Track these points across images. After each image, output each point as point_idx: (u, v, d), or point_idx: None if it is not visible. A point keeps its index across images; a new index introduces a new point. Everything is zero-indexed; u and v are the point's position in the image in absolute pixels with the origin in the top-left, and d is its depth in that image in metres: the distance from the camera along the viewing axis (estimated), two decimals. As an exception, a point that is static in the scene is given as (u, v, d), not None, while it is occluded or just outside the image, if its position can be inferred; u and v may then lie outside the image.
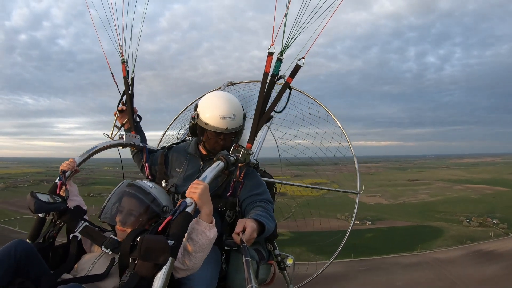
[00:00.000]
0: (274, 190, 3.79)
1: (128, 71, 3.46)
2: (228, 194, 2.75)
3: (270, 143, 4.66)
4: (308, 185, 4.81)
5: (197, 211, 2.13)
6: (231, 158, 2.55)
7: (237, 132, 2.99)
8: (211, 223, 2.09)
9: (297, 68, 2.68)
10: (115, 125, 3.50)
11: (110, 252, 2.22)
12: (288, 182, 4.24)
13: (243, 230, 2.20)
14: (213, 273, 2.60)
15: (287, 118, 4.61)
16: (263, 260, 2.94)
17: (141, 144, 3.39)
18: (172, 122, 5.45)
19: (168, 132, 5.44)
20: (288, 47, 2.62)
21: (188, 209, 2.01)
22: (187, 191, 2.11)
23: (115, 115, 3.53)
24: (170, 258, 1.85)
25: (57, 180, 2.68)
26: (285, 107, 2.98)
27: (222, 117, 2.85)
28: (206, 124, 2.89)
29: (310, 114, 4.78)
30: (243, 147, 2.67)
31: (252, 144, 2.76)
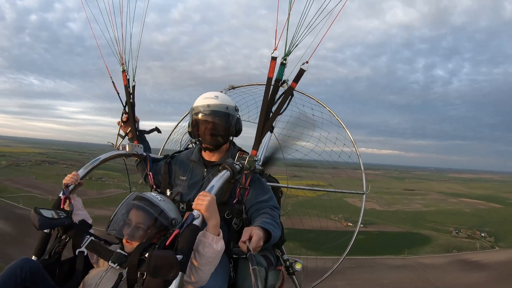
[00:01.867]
0: (280, 194, 3.65)
1: (128, 79, 3.33)
2: (234, 201, 2.65)
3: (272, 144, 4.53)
4: (315, 188, 4.66)
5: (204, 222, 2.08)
6: (237, 166, 2.47)
7: (225, 117, 2.87)
8: (218, 235, 2.00)
9: (301, 72, 2.57)
10: (119, 134, 3.42)
11: (118, 267, 2.12)
12: (294, 186, 4.09)
13: (250, 239, 2.15)
14: (222, 282, 2.47)
15: (290, 121, 4.41)
16: (271, 266, 2.83)
17: (144, 154, 3.28)
18: (176, 126, 5.18)
19: (172, 136, 5.19)
20: (291, 52, 2.52)
21: (196, 222, 1.93)
22: (194, 203, 2.03)
23: (118, 124, 3.42)
24: (180, 273, 1.77)
25: (60, 194, 2.52)
26: (285, 109, 2.80)
27: (205, 97, 2.92)
28: (193, 109, 2.93)
29: (313, 115, 4.54)
30: (248, 154, 2.59)
31: (257, 151, 2.66)
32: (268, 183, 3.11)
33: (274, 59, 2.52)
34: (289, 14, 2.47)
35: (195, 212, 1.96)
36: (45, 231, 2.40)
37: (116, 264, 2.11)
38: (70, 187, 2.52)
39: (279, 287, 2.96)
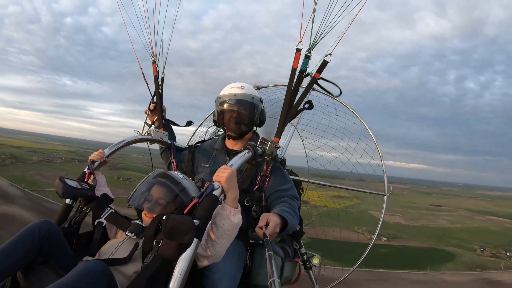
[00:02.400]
0: (301, 190, 3.62)
1: (158, 71, 3.45)
2: (254, 188, 2.63)
3: (296, 151, 4.44)
4: (335, 185, 4.46)
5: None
6: (259, 149, 2.46)
7: (250, 107, 2.91)
8: (237, 208, 1.98)
9: (324, 63, 2.59)
10: (145, 123, 3.47)
11: (134, 237, 2.11)
12: (315, 181, 4.04)
13: (266, 225, 2.13)
14: (237, 267, 2.41)
15: (319, 127, 4.35)
16: (288, 258, 2.77)
17: (169, 141, 3.32)
18: (205, 119, 5.20)
19: (200, 129, 5.26)
20: (316, 44, 2.55)
21: (215, 192, 1.89)
22: (215, 175, 1.99)
23: (146, 113, 3.50)
24: (195, 240, 1.69)
25: (85, 169, 2.59)
26: (310, 103, 2.83)
27: (231, 87, 2.96)
28: (219, 98, 2.97)
29: (345, 124, 4.44)
30: (271, 140, 2.57)
31: (279, 138, 2.66)
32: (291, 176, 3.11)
33: (298, 50, 2.57)
34: (314, 8, 2.50)
35: (215, 183, 1.94)
36: (67, 202, 2.40)
37: (133, 234, 2.11)
38: (95, 164, 2.60)
39: (294, 280, 2.90)
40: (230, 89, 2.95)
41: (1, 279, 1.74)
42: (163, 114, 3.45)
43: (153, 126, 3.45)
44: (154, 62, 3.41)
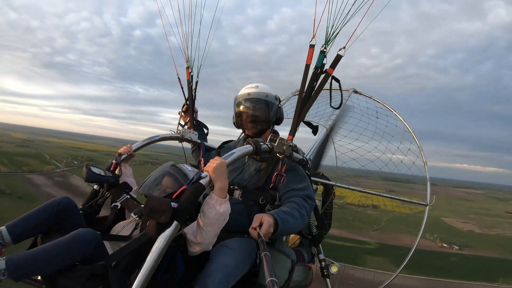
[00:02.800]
0: (333, 196, 3.57)
1: (192, 75, 3.62)
2: (269, 187, 2.61)
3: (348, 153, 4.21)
4: (367, 191, 4.22)
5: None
6: (264, 145, 2.38)
7: (264, 104, 2.90)
8: (224, 198, 2.03)
9: (338, 58, 2.51)
10: (179, 123, 3.60)
11: (137, 218, 2.33)
12: (343, 185, 3.81)
13: (261, 225, 2.05)
14: (238, 263, 2.35)
15: (355, 130, 4.18)
16: (301, 262, 2.68)
17: (199, 141, 3.42)
18: None
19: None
20: (331, 40, 2.49)
21: (202, 181, 1.97)
22: (206, 166, 2.08)
23: (179, 114, 3.66)
24: (175, 222, 1.82)
25: (113, 160, 2.84)
26: (341, 103, 2.75)
27: (246, 87, 3.00)
28: (235, 99, 3.02)
29: (385, 126, 4.30)
30: (282, 138, 2.47)
31: (293, 136, 2.62)
32: (314, 178, 3.10)
33: (312, 46, 2.52)
34: (328, 2, 2.45)
35: (203, 173, 2.02)
36: (94, 187, 2.76)
37: (136, 216, 2.35)
38: (122, 156, 2.90)
39: (308, 285, 2.79)
40: (245, 90, 2.99)
41: (25, 237, 2.13)
42: (194, 115, 3.63)
43: (186, 126, 3.63)
44: (187, 68, 3.61)
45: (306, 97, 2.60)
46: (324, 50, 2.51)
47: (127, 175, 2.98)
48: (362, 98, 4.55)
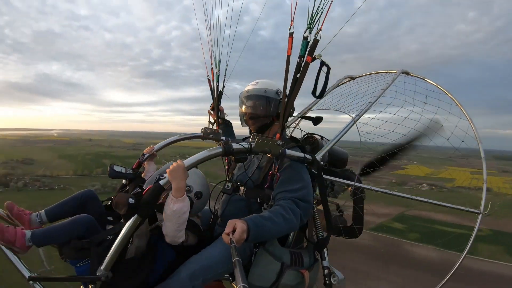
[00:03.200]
0: (363, 196, 3.15)
1: (218, 75, 3.65)
2: (265, 186, 2.62)
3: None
4: (394, 193, 3.17)
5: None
6: (239, 146, 2.30)
7: (263, 100, 2.79)
8: (179, 197, 2.23)
9: (315, 43, 2.25)
10: (209, 121, 3.72)
11: None
12: (362, 185, 3.11)
13: (234, 231, 2.00)
14: (223, 257, 2.48)
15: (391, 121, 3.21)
16: (297, 266, 2.49)
17: (223, 138, 3.48)
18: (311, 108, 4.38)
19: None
20: (314, 25, 2.19)
21: (161, 182, 2.21)
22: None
23: (208, 113, 3.74)
24: (136, 215, 2.16)
25: (138, 160, 3.30)
26: (323, 91, 2.44)
27: (247, 85, 2.96)
28: (239, 99, 3.01)
29: (435, 113, 3.43)
30: (265, 137, 2.36)
31: (281, 134, 2.47)
32: (329, 177, 2.93)
33: (291, 35, 2.29)
34: None
35: (165, 174, 2.26)
36: (123, 182, 3.19)
37: None
38: (145, 156, 3.25)
39: None
40: (245, 88, 2.95)
41: (57, 219, 2.78)
42: (220, 114, 3.71)
43: (215, 124, 3.73)
44: (212, 69, 3.67)
45: (290, 91, 2.39)
46: (306, 36, 2.23)
47: (150, 171, 3.34)
48: (410, 80, 3.71)
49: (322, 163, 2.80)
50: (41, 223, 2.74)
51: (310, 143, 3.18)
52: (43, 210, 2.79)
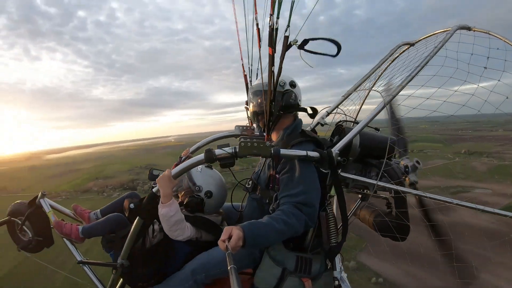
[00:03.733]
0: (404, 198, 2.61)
1: (251, 69, 3.68)
2: (269, 187, 2.54)
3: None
4: (446, 198, 2.36)
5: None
6: (222, 151, 2.23)
7: (263, 96, 2.57)
8: (166, 203, 2.41)
9: (271, 32, 2.05)
10: (248, 117, 3.51)
11: None
12: (386, 184, 2.50)
13: (230, 238, 1.95)
14: (224, 257, 2.15)
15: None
16: (299, 273, 2.39)
17: (256, 133, 3.33)
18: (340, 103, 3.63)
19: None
20: (277, 13, 2.01)
21: (154, 189, 2.44)
22: None
23: (245, 108, 3.44)
24: (138, 218, 2.49)
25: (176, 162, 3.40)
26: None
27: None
28: None
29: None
30: (248, 138, 2.23)
31: (269, 134, 2.43)
32: (347, 174, 2.63)
33: (257, 26, 2.31)
34: None
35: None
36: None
37: None
38: (182, 158, 3.40)
39: None
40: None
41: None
42: None
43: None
44: (242, 64, 3.74)
45: (274, 87, 2.26)
46: (273, 26, 2.05)
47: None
48: (468, 38, 2.83)
49: (339, 158, 2.48)
50: (97, 220, 3.23)
51: (338, 133, 2.89)
52: (99, 209, 3.33)
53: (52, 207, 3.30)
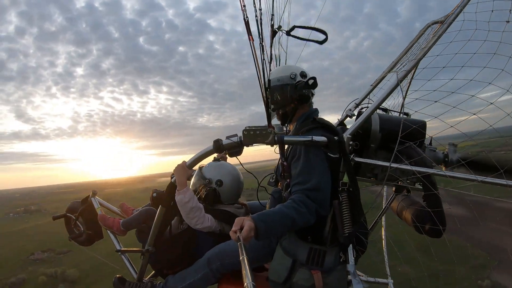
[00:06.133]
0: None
1: (270, 81, 2.93)
2: (281, 176, 2.52)
3: None
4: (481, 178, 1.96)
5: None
6: (228, 141, 2.26)
7: (275, 90, 2.59)
8: (180, 190, 2.60)
9: (247, 25, 2.08)
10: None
11: None
12: (404, 166, 2.15)
13: (242, 228, 1.90)
14: (231, 250, 2.71)
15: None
16: (311, 265, 2.28)
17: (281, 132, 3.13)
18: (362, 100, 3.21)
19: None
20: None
21: (173, 179, 2.59)
22: None
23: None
24: (160, 206, 2.65)
25: None
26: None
27: None
28: None
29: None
30: (251, 127, 2.20)
31: (270, 123, 2.40)
32: (361, 159, 2.43)
33: (245, 21, 2.31)
34: None
35: None
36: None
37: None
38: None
39: None
40: None
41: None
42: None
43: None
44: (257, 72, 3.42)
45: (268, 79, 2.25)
46: (258, 19, 2.11)
47: None
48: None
49: (351, 142, 2.32)
50: None
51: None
52: (141, 207, 3.57)
53: (101, 204, 3.66)
